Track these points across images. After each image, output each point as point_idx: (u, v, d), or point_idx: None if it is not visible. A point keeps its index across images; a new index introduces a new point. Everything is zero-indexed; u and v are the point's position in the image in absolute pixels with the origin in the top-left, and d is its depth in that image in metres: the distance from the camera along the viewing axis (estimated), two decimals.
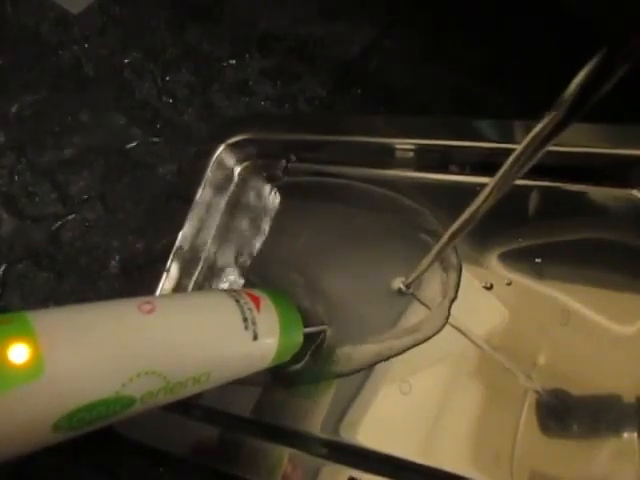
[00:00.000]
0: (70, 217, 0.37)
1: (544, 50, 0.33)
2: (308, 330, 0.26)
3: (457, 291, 0.27)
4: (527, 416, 0.23)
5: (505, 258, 0.27)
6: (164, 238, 0.32)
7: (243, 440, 0.25)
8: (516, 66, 0.34)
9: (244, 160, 0.35)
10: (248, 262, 0.32)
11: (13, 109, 0.41)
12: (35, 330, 0.16)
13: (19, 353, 0.15)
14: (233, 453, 0.25)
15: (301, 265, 0.31)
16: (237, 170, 0.35)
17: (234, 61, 0.40)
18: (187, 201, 0.33)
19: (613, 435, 0.22)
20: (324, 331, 0.28)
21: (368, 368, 0.26)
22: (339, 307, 0.29)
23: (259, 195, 0.34)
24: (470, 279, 0.27)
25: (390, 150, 0.31)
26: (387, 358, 0.26)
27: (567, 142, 0.26)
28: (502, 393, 0.24)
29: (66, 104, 0.41)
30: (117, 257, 0.35)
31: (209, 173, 0.33)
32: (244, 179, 0.35)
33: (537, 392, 0.24)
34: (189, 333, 0.20)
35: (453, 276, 0.27)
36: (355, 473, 0.23)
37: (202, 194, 0.33)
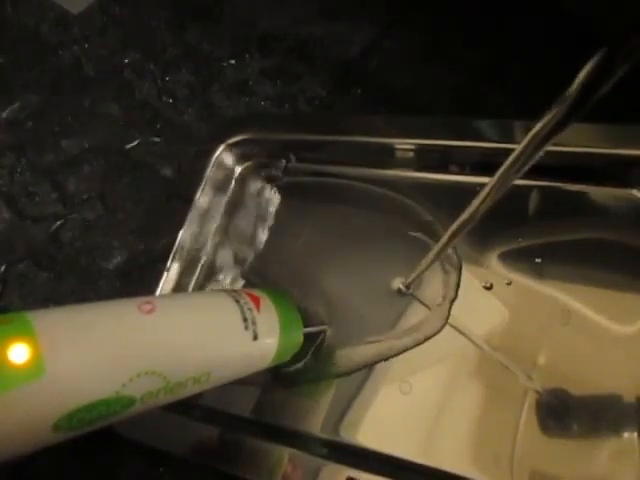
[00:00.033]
0: (70, 217, 0.37)
1: (544, 50, 0.33)
2: (308, 330, 0.26)
3: (457, 291, 0.27)
4: (527, 416, 0.23)
5: (505, 258, 0.27)
6: (164, 238, 0.32)
7: (243, 440, 0.25)
8: (516, 66, 0.34)
9: (244, 160, 0.35)
10: (248, 262, 0.32)
11: (13, 109, 0.41)
12: (35, 330, 0.16)
13: (19, 353, 0.15)
14: (233, 453, 0.25)
15: (301, 265, 0.31)
16: (237, 170, 0.35)
17: (234, 61, 0.40)
18: (187, 201, 0.33)
19: (613, 435, 0.22)
20: (324, 331, 0.28)
21: (368, 368, 0.26)
22: (339, 307, 0.29)
23: (259, 195, 0.34)
24: (470, 279, 0.27)
25: (390, 150, 0.31)
26: (387, 358, 0.26)
27: (567, 142, 0.26)
28: (502, 393, 0.24)
29: (66, 104, 0.41)
30: (117, 257, 0.35)
31: (209, 173, 0.33)
32: (244, 179, 0.35)
33: (537, 392, 0.24)
34: (189, 333, 0.20)
35: (453, 276, 0.27)
36: (355, 473, 0.23)
37: (202, 194, 0.33)
